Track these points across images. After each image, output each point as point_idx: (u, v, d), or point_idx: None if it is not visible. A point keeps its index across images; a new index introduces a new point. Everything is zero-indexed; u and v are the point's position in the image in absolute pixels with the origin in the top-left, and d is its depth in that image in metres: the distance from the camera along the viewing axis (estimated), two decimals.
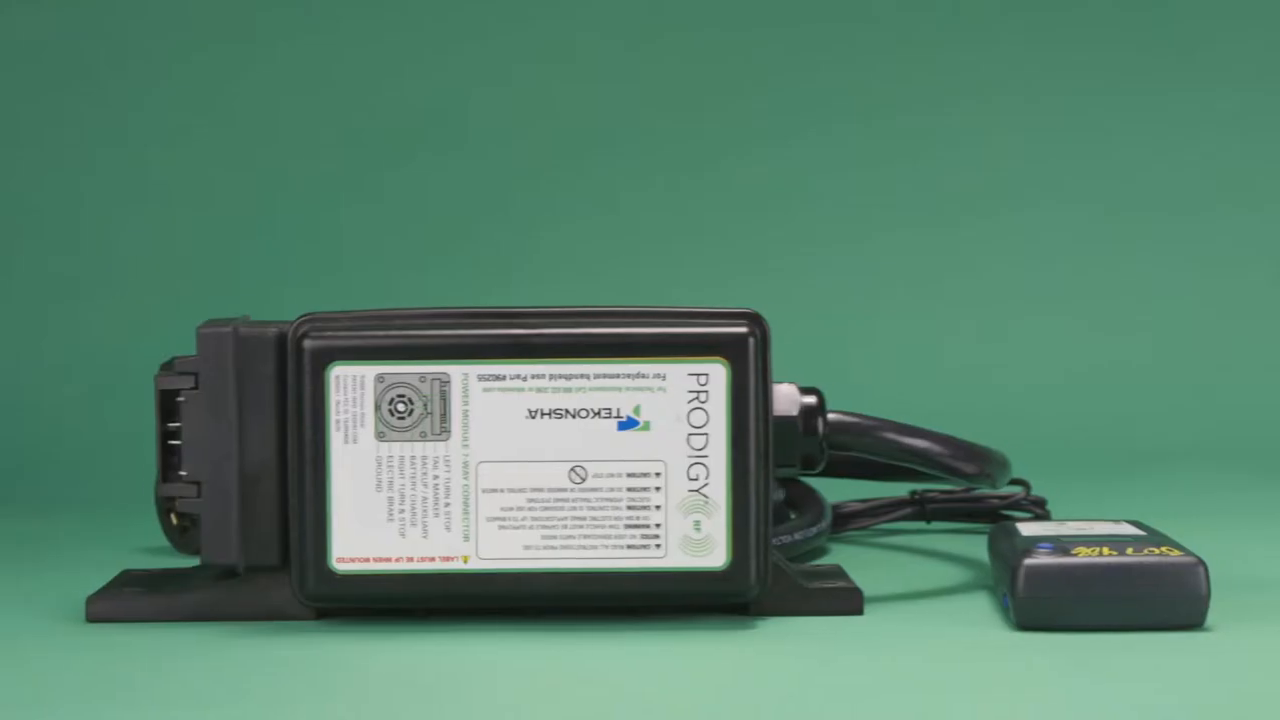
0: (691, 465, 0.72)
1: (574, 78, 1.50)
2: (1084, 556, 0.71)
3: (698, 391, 0.72)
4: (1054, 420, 1.32)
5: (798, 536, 0.89)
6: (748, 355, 0.72)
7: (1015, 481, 1.00)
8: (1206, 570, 0.71)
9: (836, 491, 1.00)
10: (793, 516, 0.94)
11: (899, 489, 1.00)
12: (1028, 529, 0.79)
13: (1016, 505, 0.99)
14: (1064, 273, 1.43)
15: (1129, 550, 0.72)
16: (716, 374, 0.72)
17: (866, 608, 0.76)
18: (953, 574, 0.85)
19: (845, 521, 0.98)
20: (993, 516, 0.99)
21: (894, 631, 0.73)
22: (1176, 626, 0.71)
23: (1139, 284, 1.42)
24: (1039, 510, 0.99)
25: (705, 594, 0.73)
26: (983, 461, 0.81)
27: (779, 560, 0.75)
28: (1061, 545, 0.73)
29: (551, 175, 1.48)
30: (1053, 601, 0.71)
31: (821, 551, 0.94)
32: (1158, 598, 0.71)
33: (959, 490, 0.99)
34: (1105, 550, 0.72)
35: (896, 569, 0.87)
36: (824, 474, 0.94)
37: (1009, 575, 0.72)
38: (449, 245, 1.46)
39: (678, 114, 1.48)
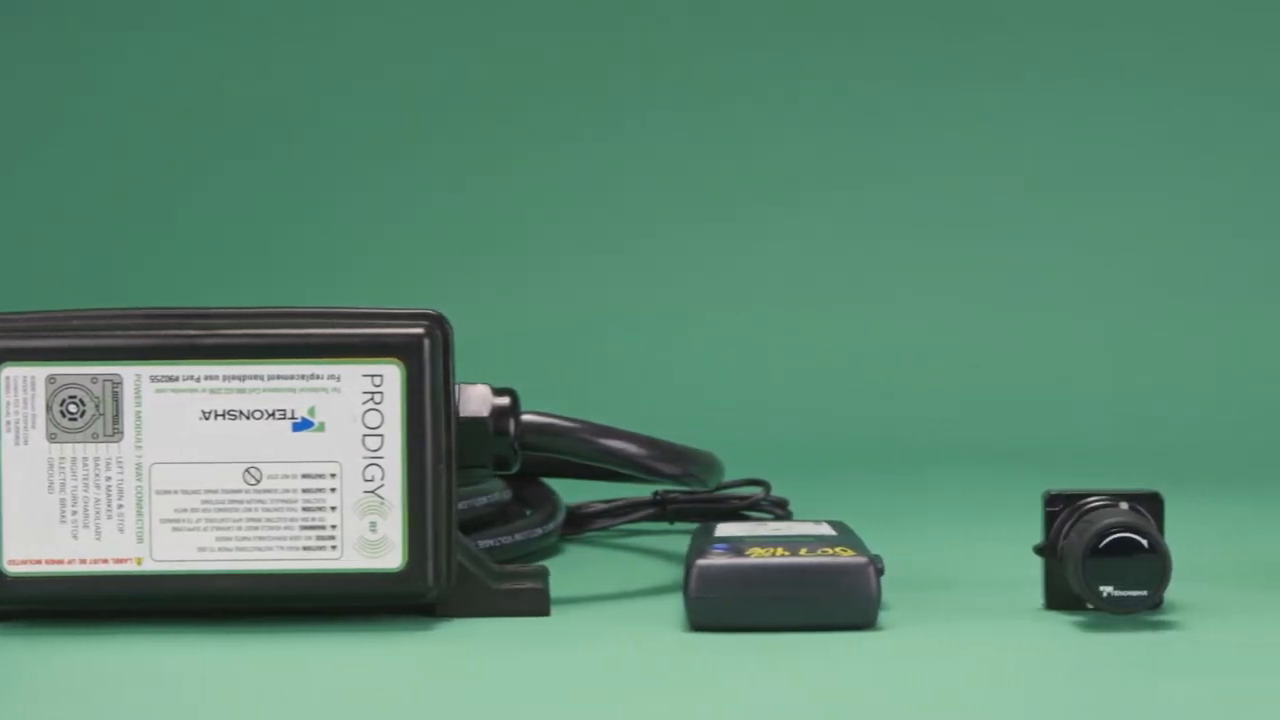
0: (367, 466, 0.72)
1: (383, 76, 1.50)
2: (756, 557, 0.72)
3: (372, 393, 0.72)
4: (830, 418, 1.33)
5: (519, 537, 0.89)
6: (423, 356, 0.72)
7: (755, 482, 1.00)
8: (877, 570, 0.71)
9: (582, 491, 1.00)
10: (528, 514, 0.94)
11: (644, 489, 1.00)
12: (723, 529, 0.79)
13: (756, 506, 0.99)
14: (852, 268, 1.45)
15: (802, 551, 0.72)
16: (391, 375, 0.72)
17: (558, 609, 0.76)
18: (661, 574, 0.86)
19: (587, 521, 0.99)
20: (734, 517, 0.99)
21: (573, 632, 0.73)
22: (848, 626, 0.71)
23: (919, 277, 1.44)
24: (780, 511, 1.00)
25: (383, 595, 0.73)
26: (686, 462, 0.81)
27: (465, 561, 0.75)
28: (737, 546, 0.73)
29: (346, 179, 1.48)
30: (725, 601, 0.71)
31: (555, 551, 0.94)
32: (828, 598, 0.71)
33: (701, 492, 1.00)
34: (779, 551, 0.72)
35: (612, 569, 0.88)
36: (550, 475, 0.95)
37: (684, 575, 0.72)
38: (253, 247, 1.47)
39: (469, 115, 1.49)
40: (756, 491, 1.00)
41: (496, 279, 1.49)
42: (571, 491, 1.00)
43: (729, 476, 1.00)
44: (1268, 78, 1.50)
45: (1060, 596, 0.75)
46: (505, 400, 0.77)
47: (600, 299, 1.47)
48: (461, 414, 0.75)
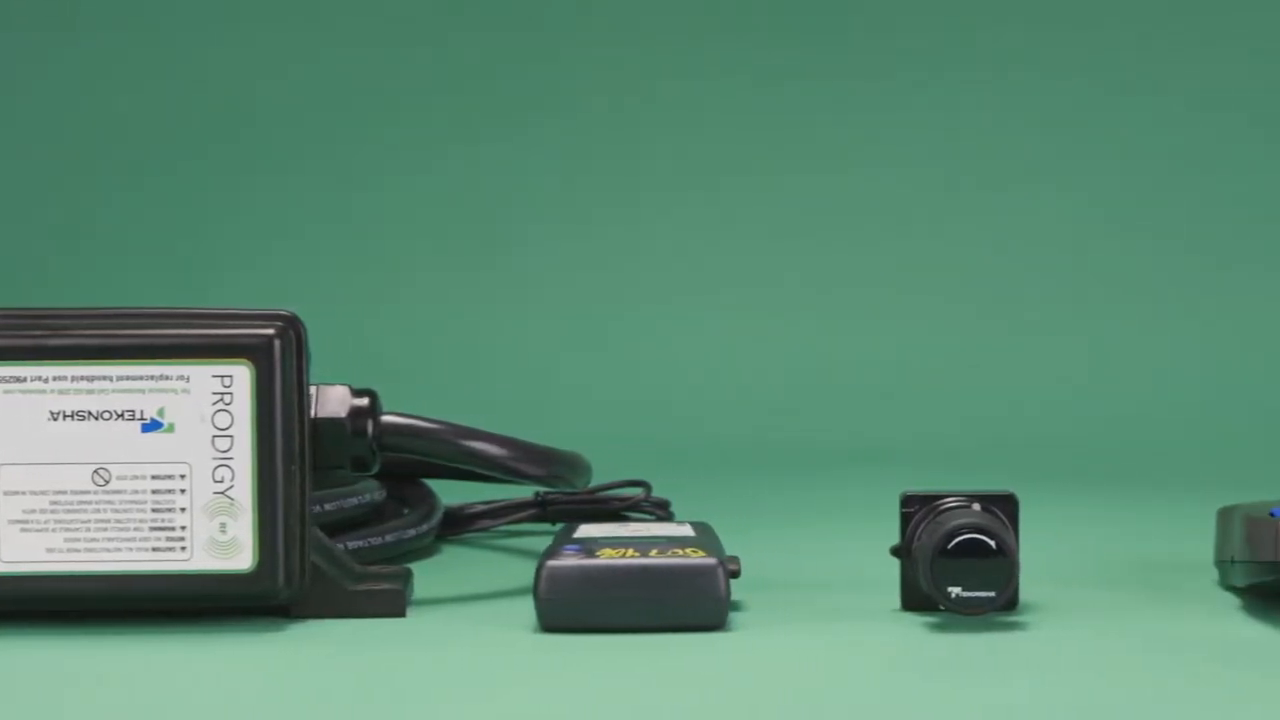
0: (217, 467, 0.72)
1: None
2: (605, 558, 0.72)
3: (222, 394, 0.72)
4: (724, 418, 1.34)
5: (389, 538, 0.89)
6: (274, 357, 0.72)
7: (636, 483, 1.01)
8: (727, 572, 0.72)
9: (464, 493, 1.00)
10: (406, 514, 0.94)
11: (528, 490, 1.00)
12: (584, 530, 0.79)
13: (636, 507, 1.00)
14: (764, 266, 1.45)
15: (653, 552, 0.72)
16: (241, 376, 0.72)
17: (416, 610, 0.76)
18: (528, 576, 0.85)
19: (467, 522, 0.99)
20: (614, 518, 0.99)
21: (424, 634, 0.73)
22: (698, 627, 0.72)
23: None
24: (661, 512, 1.00)
25: (233, 596, 0.73)
26: (551, 464, 0.81)
27: (320, 562, 0.75)
28: (588, 547, 0.73)
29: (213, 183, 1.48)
30: (574, 602, 0.71)
31: (431, 552, 0.94)
32: (677, 599, 0.71)
33: (583, 493, 1.00)
34: (629, 552, 0.72)
35: (483, 570, 0.88)
36: (427, 476, 0.95)
37: (534, 577, 0.72)
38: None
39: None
40: (638, 492, 1.00)
41: (394, 281, 1.49)
42: (454, 492, 1.00)
43: (625, 476, 1.01)
44: (1172, 69, 1.51)
45: (915, 597, 0.75)
46: (364, 401, 0.76)
47: (494, 300, 1.48)
48: (320, 415, 0.75)
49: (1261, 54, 1.50)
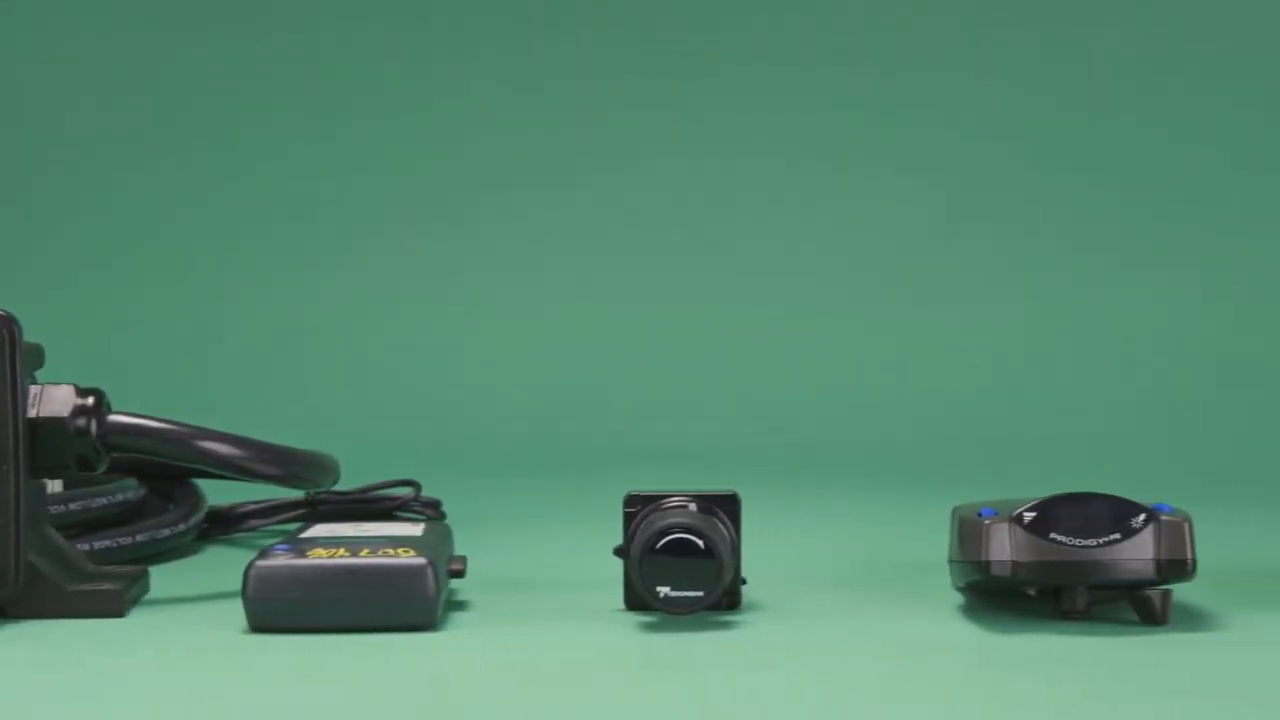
0: None
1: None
2: (314, 558, 0.72)
3: None
4: (515, 420, 1.34)
5: (140, 538, 0.89)
6: None
7: (406, 483, 1.01)
8: (436, 572, 0.72)
9: (237, 492, 1.00)
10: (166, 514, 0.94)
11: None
12: (314, 530, 0.79)
13: (406, 506, 1.00)
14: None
15: (364, 552, 0.72)
16: None
17: (140, 610, 0.76)
18: None
19: (237, 522, 0.98)
20: (385, 517, 0.99)
21: (138, 634, 0.72)
22: (407, 627, 0.72)
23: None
24: (432, 512, 1.00)
25: None
26: (288, 464, 0.81)
27: (38, 562, 0.74)
28: (299, 547, 0.73)
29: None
30: (282, 603, 0.71)
31: (191, 551, 0.94)
32: (385, 598, 0.71)
33: (353, 492, 1.00)
34: (340, 552, 0.72)
35: (233, 569, 0.87)
36: (197, 477, 0.95)
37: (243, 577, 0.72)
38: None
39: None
40: (408, 492, 1.00)
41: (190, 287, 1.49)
42: (225, 493, 1.00)
43: (410, 476, 1.01)
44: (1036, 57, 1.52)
45: (636, 597, 0.75)
46: (88, 400, 0.76)
47: (299, 308, 1.48)
48: (40, 414, 0.75)
49: (1131, 43, 1.50)
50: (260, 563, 0.72)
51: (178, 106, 1.51)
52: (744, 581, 0.77)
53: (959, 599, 0.78)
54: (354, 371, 1.43)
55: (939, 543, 0.88)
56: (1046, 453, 1.32)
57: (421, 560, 0.72)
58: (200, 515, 0.94)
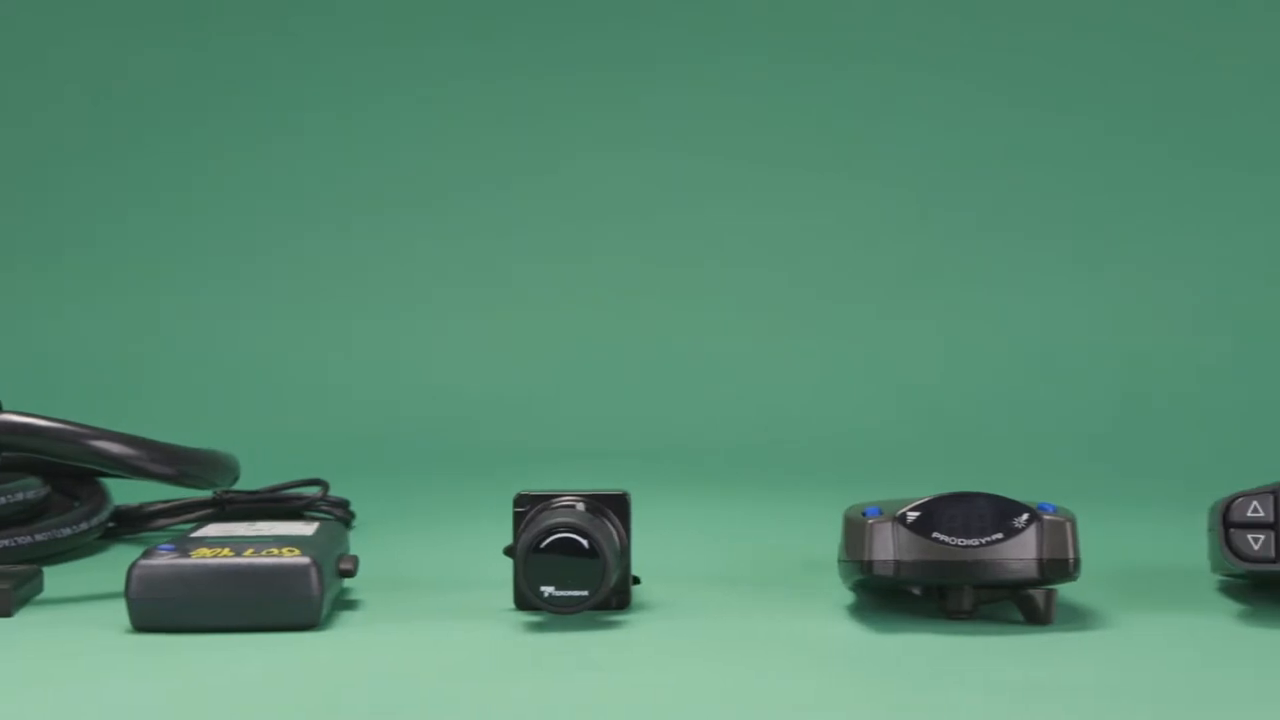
0: None
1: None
2: (196, 558, 0.71)
3: None
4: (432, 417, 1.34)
5: (39, 537, 0.88)
6: None
7: (314, 482, 1.01)
8: (320, 572, 0.72)
9: (148, 492, 1.00)
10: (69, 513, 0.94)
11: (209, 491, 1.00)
12: (208, 530, 0.79)
13: (314, 506, 1.00)
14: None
15: (247, 552, 0.72)
16: None
17: (30, 611, 0.76)
18: None
19: (145, 521, 0.98)
20: (294, 516, 0.99)
21: (21, 633, 0.72)
22: (290, 626, 0.71)
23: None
24: (340, 511, 1.00)
25: None
26: (180, 463, 0.81)
27: None
28: (184, 547, 0.73)
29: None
30: (164, 603, 0.71)
31: (96, 549, 0.94)
32: (268, 598, 0.71)
33: (262, 491, 1.00)
34: (224, 552, 0.72)
35: None
36: (103, 475, 0.95)
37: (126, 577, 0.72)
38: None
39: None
40: (315, 491, 1.00)
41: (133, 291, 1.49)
42: (136, 493, 1.00)
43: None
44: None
45: (524, 597, 0.75)
46: None
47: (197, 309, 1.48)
48: None
49: (1075, 42, 1.50)
50: (143, 562, 0.71)
51: (118, 107, 1.51)
52: (637, 581, 0.77)
53: (850, 598, 0.78)
54: (278, 373, 1.43)
55: (833, 543, 0.88)
56: (957, 454, 1.32)
57: (305, 560, 0.71)
58: (105, 515, 0.94)
